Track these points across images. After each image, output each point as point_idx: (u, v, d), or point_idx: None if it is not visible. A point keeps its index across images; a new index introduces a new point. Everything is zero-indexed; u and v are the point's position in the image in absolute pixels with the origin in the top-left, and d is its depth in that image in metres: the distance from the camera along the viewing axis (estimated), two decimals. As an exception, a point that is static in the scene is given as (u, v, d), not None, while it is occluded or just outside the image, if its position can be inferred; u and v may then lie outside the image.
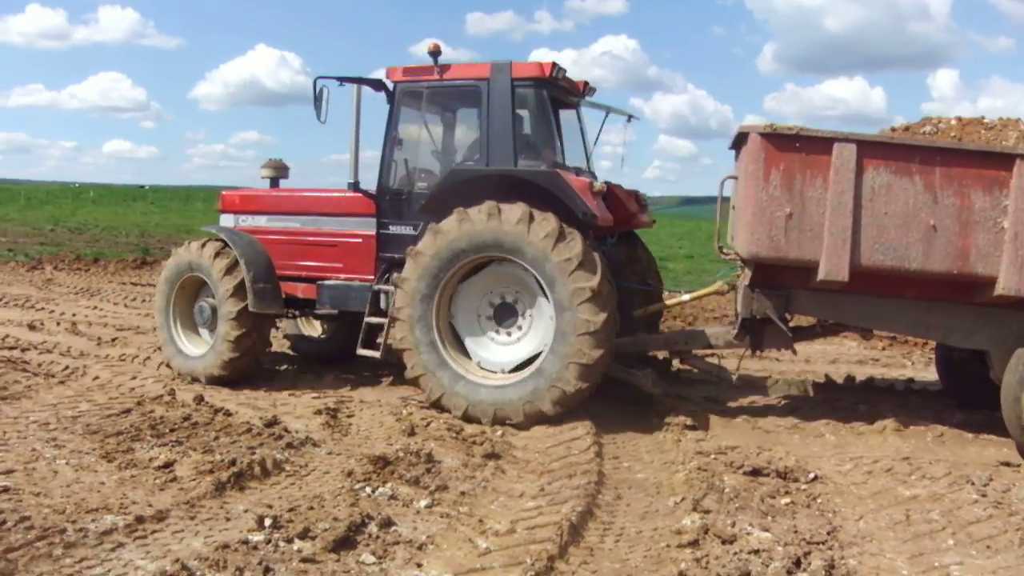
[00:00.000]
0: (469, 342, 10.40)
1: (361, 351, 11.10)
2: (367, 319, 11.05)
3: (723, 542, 6.40)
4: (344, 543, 6.06)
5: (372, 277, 11.38)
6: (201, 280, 11.47)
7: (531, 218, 9.63)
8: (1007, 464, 9.04)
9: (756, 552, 6.21)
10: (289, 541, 6.03)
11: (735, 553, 6.18)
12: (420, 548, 6.17)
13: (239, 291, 11.00)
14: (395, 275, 10.74)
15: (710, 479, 7.89)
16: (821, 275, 8.98)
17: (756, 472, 8.23)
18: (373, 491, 7.20)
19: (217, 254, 11.26)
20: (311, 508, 6.70)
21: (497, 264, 10.14)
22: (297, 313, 12.24)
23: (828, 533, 6.86)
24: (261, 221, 12.26)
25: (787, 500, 7.61)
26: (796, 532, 6.80)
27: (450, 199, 10.22)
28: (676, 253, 41.50)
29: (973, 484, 8.15)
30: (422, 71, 10.95)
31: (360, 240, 11.57)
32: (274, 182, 12.84)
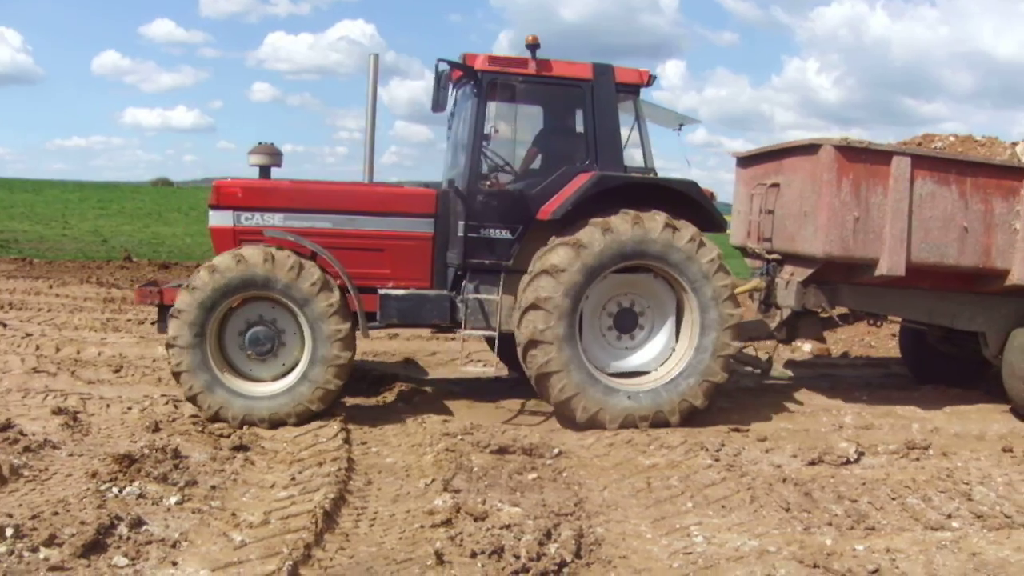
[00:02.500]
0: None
1: (466, 370, 10.60)
2: (466, 332, 10.31)
3: (475, 519, 6.60)
4: (94, 547, 5.83)
5: (428, 284, 10.44)
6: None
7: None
8: (737, 430, 9.84)
9: (508, 527, 6.44)
10: (34, 550, 5.73)
11: (488, 529, 6.39)
12: (174, 546, 6.03)
13: (343, 308, 9.51)
14: (468, 283, 10.16)
15: (458, 459, 8.09)
16: (882, 270, 10.29)
17: (503, 450, 8.52)
18: (120, 491, 6.93)
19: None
20: (55, 513, 6.37)
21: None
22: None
23: (575, 504, 7.21)
24: (275, 219, 10.11)
25: (534, 475, 7.93)
26: (545, 505, 7.09)
27: (584, 204, 9.80)
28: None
29: (707, 450, 8.83)
30: (513, 63, 10.25)
31: (413, 243, 10.41)
32: (264, 171, 10.48)
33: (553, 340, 9.58)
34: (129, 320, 15.18)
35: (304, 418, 9.32)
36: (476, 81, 10.16)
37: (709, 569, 6.15)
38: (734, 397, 11.52)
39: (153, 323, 11.06)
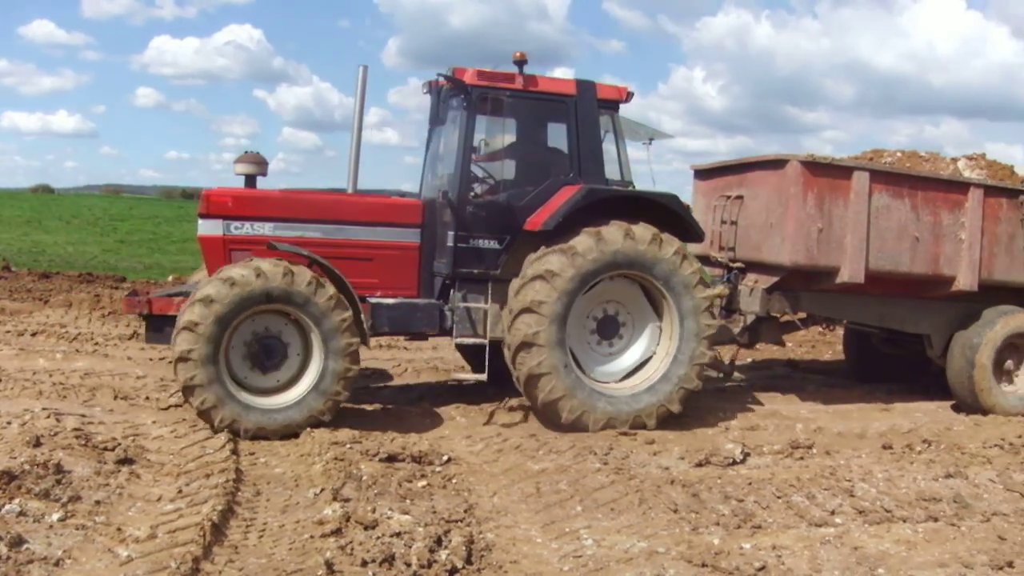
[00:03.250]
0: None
1: (460, 375, 10.79)
2: (458, 340, 10.59)
3: (365, 528, 6.59)
4: (-29, 568, 5.69)
5: (415, 293, 10.68)
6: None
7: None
8: (625, 434, 10.00)
9: (398, 535, 6.46)
10: (-92, 574, 5.57)
11: (378, 538, 6.39)
12: (57, 564, 5.89)
13: (353, 324, 9.57)
14: (456, 292, 10.49)
15: (347, 468, 8.08)
16: (844, 278, 11.12)
17: (392, 458, 8.53)
18: (-1, 509, 6.78)
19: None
20: (-69, 534, 6.19)
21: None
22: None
23: (465, 511, 7.28)
24: (265, 228, 10.17)
25: (424, 483, 7.97)
26: (435, 512, 7.14)
27: (575, 216, 10.13)
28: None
29: (595, 454, 9.00)
30: (501, 77, 10.54)
31: (400, 252, 10.65)
32: (250, 180, 10.53)
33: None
34: (8, 332, 14.71)
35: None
36: (466, 95, 10.42)
37: (599, 571, 6.25)
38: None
39: (136, 335, 10.84)
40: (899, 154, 13.69)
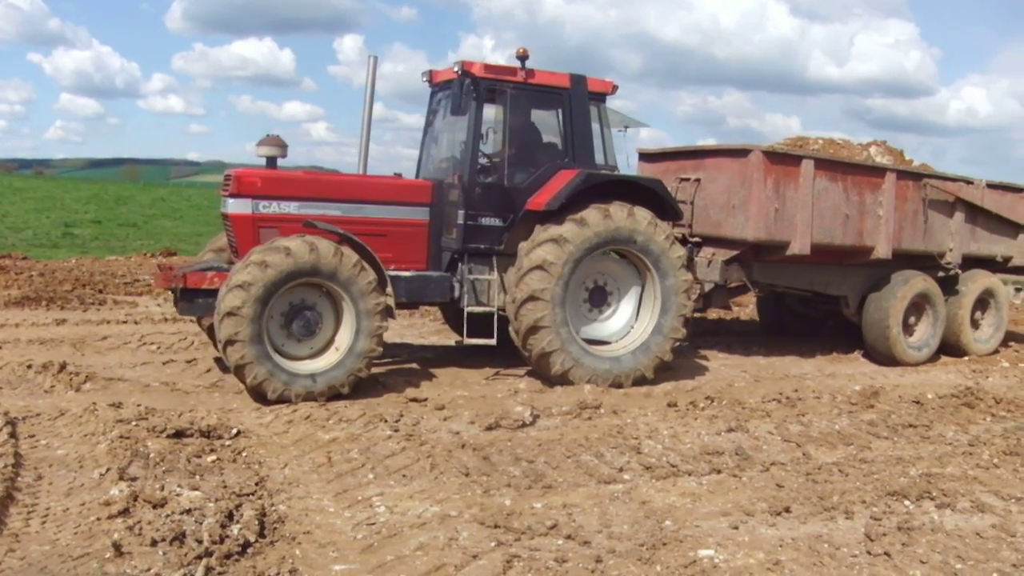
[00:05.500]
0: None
1: (472, 340, 11.37)
2: (470, 309, 11.44)
3: (154, 507, 6.47)
4: None
5: (424, 267, 11.65)
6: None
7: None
8: (415, 400, 10.14)
9: (188, 511, 6.37)
10: None
11: (167, 515, 6.29)
12: None
13: (380, 284, 10.48)
14: (464, 266, 11.48)
15: (134, 446, 7.87)
16: (794, 250, 13.03)
17: (180, 434, 8.36)
18: None
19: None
20: None
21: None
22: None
23: (256, 484, 7.23)
24: (291, 207, 10.95)
25: (213, 457, 7.86)
26: (226, 487, 7.06)
27: (578, 197, 11.29)
28: (83, 218, 39.75)
29: (386, 421, 9.10)
30: (505, 71, 11.57)
31: (412, 229, 11.61)
32: (271, 161, 11.24)
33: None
34: None
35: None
36: (475, 86, 11.34)
37: (393, 538, 6.33)
38: (411, 369, 11.92)
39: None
40: (820, 141, 15.90)
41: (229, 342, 9.69)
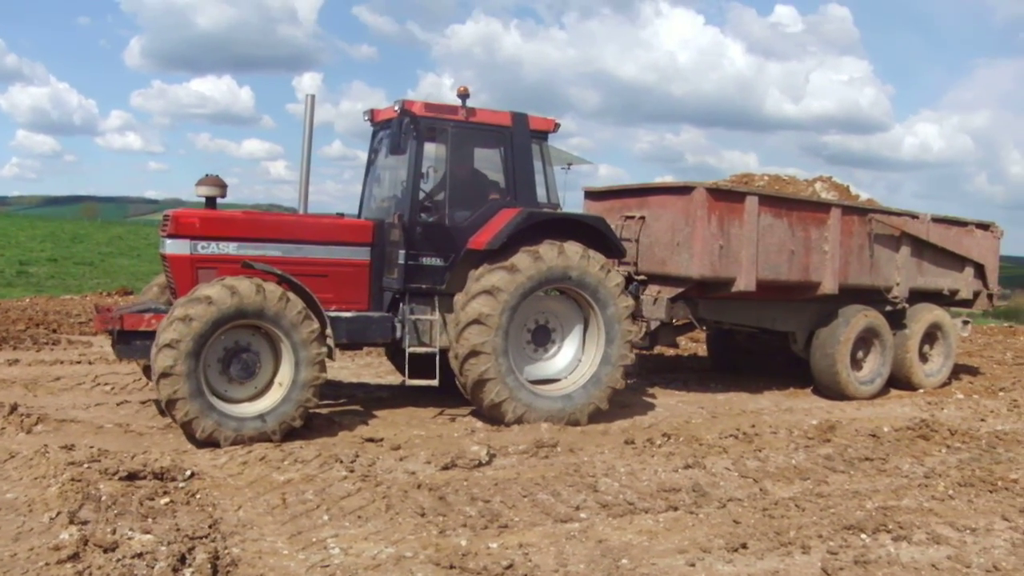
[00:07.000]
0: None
1: (414, 381, 11.16)
2: (411, 349, 11.25)
3: (105, 551, 6.36)
4: None
5: (366, 307, 11.46)
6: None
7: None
8: (371, 440, 10.10)
9: (140, 556, 6.27)
10: None
11: (118, 560, 6.19)
12: None
13: (322, 334, 10.28)
14: (406, 306, 11.34)
15: (85, 489, 7.76)
16: (739, 287, 12.97)
17: (133, 476, 8.24)
18: None
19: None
20: None
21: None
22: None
23: (210, 526, 7.14)
24: (229, 248, 10.74)
25: (166, 500, 7.75)
26: (178, 530, 6.96)
27: (518, 235, 11.22)
28: (39, 257, 39.35)
29: (342, 462, 9.05)
30: (446, 109, 11.53)
31: (353, 269, 11.43)
32: (210, 202, 11.02)
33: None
34: None
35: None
36: (416, 125, 11.29)
37: (347, 580, 6.29)
38: (367, 408, 11.88)
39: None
40: (766, 178, 15.96)
41: (170, 401, 9.54)
